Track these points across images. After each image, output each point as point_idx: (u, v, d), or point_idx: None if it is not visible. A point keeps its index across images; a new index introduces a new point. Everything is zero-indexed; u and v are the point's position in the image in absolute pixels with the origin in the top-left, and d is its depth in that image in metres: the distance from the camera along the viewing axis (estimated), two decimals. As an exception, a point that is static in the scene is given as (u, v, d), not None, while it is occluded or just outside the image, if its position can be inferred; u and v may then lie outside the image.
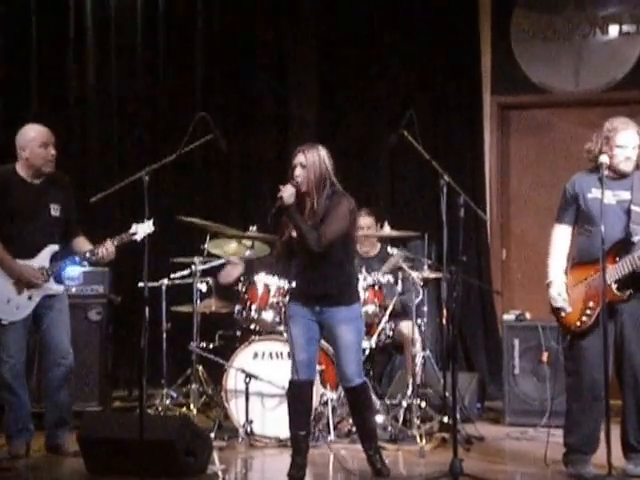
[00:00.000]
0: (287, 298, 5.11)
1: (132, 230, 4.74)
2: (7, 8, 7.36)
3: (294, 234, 4.42)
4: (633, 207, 4.38)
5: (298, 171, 4.41)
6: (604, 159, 4.36)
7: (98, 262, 4.98)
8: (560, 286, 4.48)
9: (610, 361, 4.33)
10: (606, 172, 4.40)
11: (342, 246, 4.44)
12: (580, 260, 4.51)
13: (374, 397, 5.28)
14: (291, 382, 4.54)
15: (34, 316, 4.94)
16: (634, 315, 4.42)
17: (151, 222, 4.52)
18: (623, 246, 4.37)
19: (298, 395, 4.53)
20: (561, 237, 4.58)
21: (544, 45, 7.13)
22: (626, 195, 4.41)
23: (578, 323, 4.44)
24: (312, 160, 4.40)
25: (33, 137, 4.92)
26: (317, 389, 5.07)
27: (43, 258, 4.92)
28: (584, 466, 4.43)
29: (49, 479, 4.72)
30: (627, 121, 4.47)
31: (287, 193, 4.35)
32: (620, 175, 4.45)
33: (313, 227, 4.37)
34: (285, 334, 5.43)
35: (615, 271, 4.36)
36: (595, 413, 4.41)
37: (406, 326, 5.73)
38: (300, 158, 4.42)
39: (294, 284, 4.67)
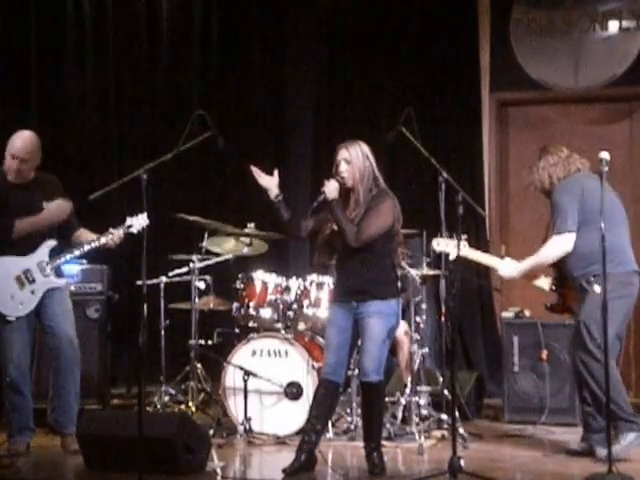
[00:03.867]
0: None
1: (127, 223, 4.80)
2: (6, 8, 7.36)
3: (335, 228, 4.46)
4: None
5: (343, 167, 4.46)
6: (604, 155, 4.40)
7: (104, 247, 5.00)
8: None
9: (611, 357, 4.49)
10: None
11: (384, 242, 4.48)
12: None
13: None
14: (320, 380, 4.62)
15: (36, 310, 4.98)
16: (584, 308, 4.67)
17: (145, 215, 4.54)
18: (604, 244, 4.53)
19: (322, 394, 4.55)
20: None
21: (543, 41, 7.13)
22: None
23: None
24: (356, 156, 4.46)
25: (10, 145, 4.98)
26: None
27: (42, 253, 4.97)
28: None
29: (49, 476, 4.72)
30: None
31: (330, 188, 4.41)
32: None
33: (354, 222, 4.41)
34: (283, 332, 5.45)
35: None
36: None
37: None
38: (344, 154, 4.47)
39: (335, 283, 4.71)
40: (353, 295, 4.49)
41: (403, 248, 5.46)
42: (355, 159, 4.45)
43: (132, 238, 4.82)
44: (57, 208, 4.97)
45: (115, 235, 4.93)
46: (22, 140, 4.99)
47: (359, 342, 4.61)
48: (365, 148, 4.51)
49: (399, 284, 4.73)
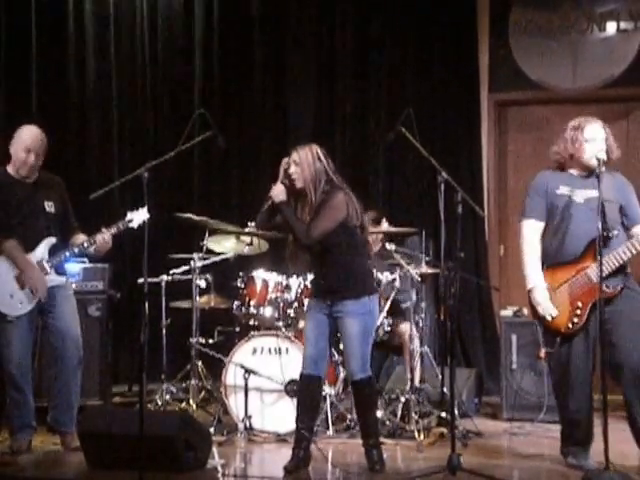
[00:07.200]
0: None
1: (128, 218, 4.82)
2: (7, 7, 7.40)
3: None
4: (606, 203, 4.30)
5: (292, 168, 4.55)
6: (601, 155, 4.35)
7: (96, 251, 5.00)
8: (543, 291, 4.46)
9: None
10: (576, 172, 4.49)
11: (345, 239, 4.49)
12: (555, 261, 4.47)
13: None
14: (300, 375, 4.63)
15: (39, 308, 4.99)
16: (627, 312, 4.38)
17: (146, 209, 4.56)
18: (601, 242, 4.21)
19: (305, 389, 4.59)
20: (531, 233, 4.53)
21: (541, 42, 7.15)
22: (593, 193, 4.33)
23: (570, 325, 4.42)
24: (304, 157, 4.53)
25: (22, 139, 4.98)
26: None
27: (42, 251, 4.97)
28: (585, 457, 4.47)
29: (51, 473, 4.72)
30: (590, 117, 4.51)
31: (276, 191, 4.51)
32: (588, 172, 4.44)
33: (309, 221, 4.46)
34: (283, 330, 5.48)
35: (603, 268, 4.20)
36: (586, 409, 4.48)
37: (405, 328, 5.73)
38: (294, 156, 4.56)
39: (311, 282, 4.77)
40: (326, 294, 4.54)
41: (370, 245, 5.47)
42: (304, 160, 4.52)
43: (132, 237, 4.84)
44: (36, 276, 4.92)
45: (106, 234, 4.89)
46: (34, 133, 5.00)
47: (339, 335, 4.64)
48: (316, 150, 4.56)
49: (373, 280, 4.76)
